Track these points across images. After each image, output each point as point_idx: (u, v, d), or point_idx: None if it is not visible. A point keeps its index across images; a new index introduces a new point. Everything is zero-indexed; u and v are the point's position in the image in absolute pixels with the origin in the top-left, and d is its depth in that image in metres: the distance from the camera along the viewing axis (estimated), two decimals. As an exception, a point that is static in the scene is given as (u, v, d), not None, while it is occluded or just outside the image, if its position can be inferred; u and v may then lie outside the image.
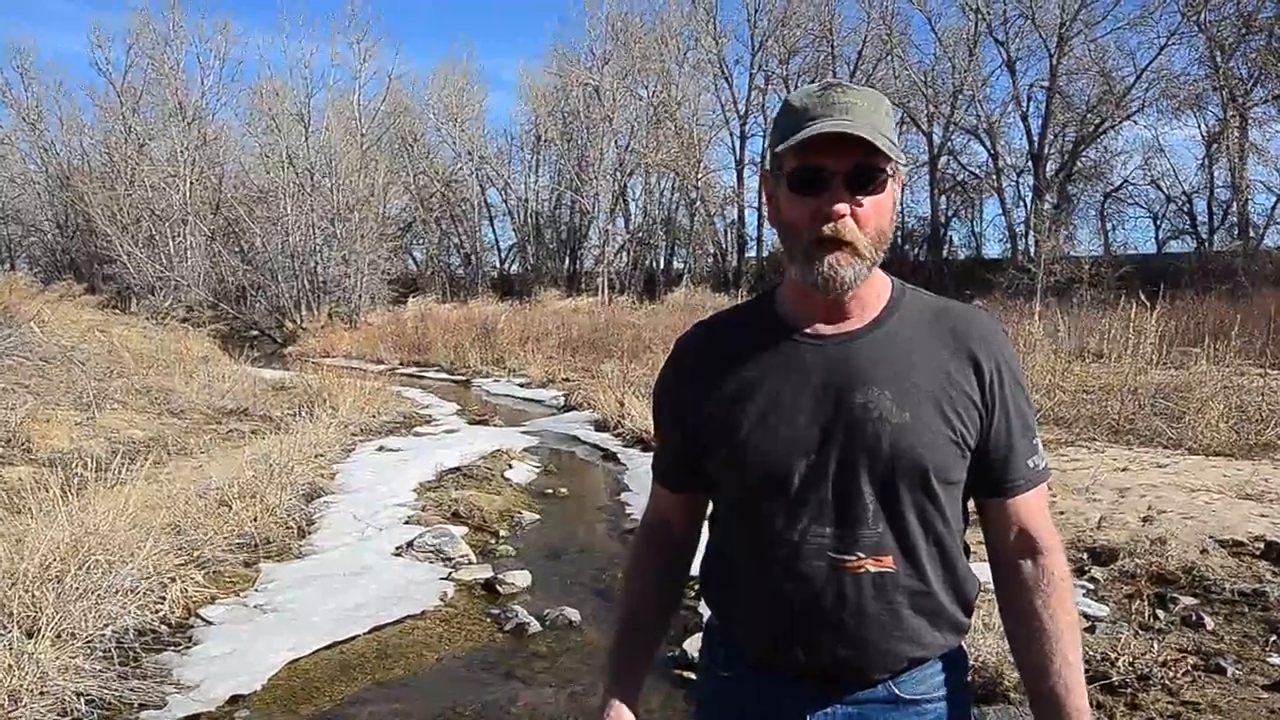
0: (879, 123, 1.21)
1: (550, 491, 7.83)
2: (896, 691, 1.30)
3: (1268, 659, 3.64)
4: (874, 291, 1.32)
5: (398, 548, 5.80)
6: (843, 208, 1.21)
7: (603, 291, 33.35)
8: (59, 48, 75.35)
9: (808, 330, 1.31)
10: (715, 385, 1.34)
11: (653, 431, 1.54)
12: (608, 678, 1.48)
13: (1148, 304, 9.60)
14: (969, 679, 1.42)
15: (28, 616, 3.87)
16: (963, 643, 1.37)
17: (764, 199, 1.36)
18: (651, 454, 1.57)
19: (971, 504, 1.38)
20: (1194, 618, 4.02)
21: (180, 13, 35.78)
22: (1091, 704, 3.20)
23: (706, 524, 1.46)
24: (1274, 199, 26.87)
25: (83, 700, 3.49)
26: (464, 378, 17.91)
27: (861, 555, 1.24)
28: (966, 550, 1.36)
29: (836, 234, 1.21)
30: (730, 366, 1.34)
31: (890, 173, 1.23)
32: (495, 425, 11.40)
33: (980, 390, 1.28)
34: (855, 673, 1.28)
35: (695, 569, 1.50)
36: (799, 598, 1.26)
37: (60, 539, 4.36)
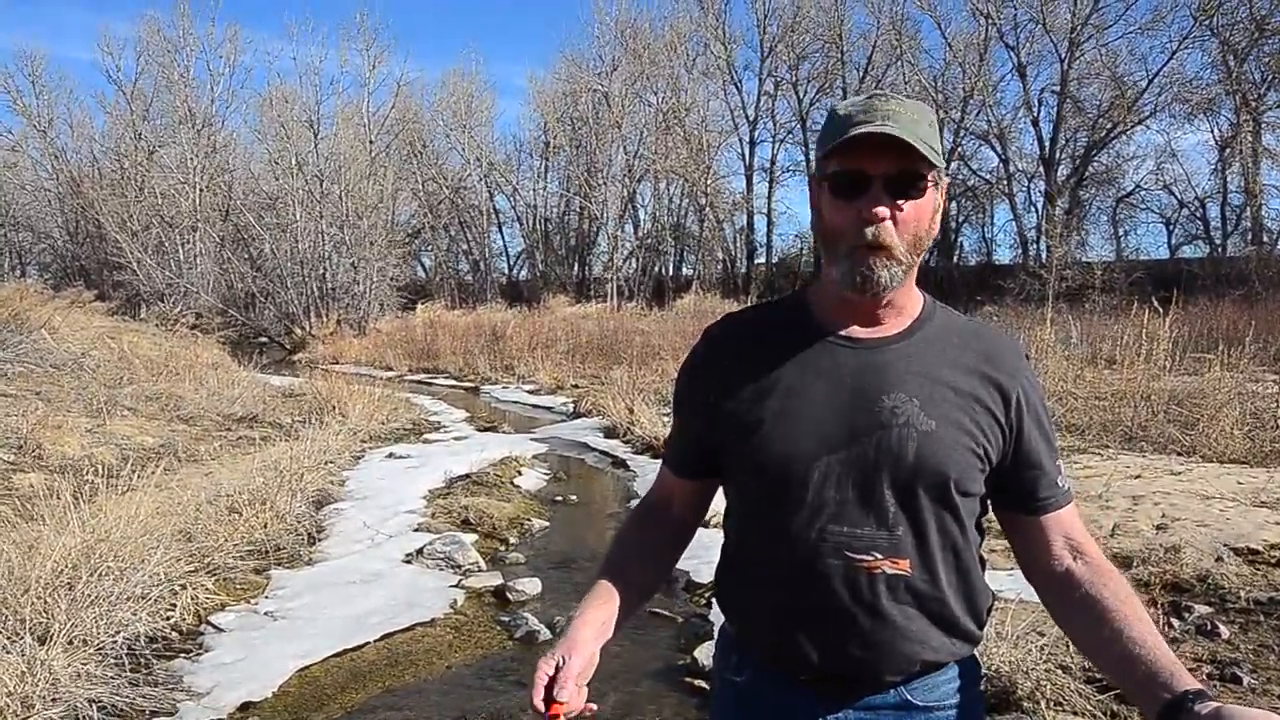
0: (922, 132, 1.22)
1: (560, 499, 7.82)
2: (908, 698, 1.30)
3: (1285, 669, 3.60)
4: (908, 302, 1.34)
5: (408, 555, 5.80)
6: (882, 211, 1.22)
7: (611, 298, 33.35)
8: (68, 55, 75.88)
9: (842, 333, 1.32)
10: (742, 378, 1.34)
11: (671, 416, 1.53)
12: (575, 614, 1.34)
13: (1160, 310, 9.55)
14: (981, 689, 1.42)
15: (40, 623, 3.87)
16: (975, 653, 1.37)
17: (810, 205, 1.35)
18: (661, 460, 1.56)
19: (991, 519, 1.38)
20: (1209, 626, 3.99)
21: (190, 20, 35.98)
22: (1106, 713, 3.18)
23: (721, 526, 1.45)
24: (1287, 203, 26.82)
25: (95, 707, 3.49)
26: (473, 384, 17.91)
27: (878, 556, 1.25)
28: (982, 563, 1.36)
29: (876, 238, 1.22)
30: (758, 361, 1.34)
31: (931, 180, 1.25)
32: (504, 432, 11.41)
33: (1005, 410, 1.29)
34: (868, 674, 1.28)
35: (702, 573, 1.49)
36: (814, 595, 1.26)
37: (72, 546, 4.37)
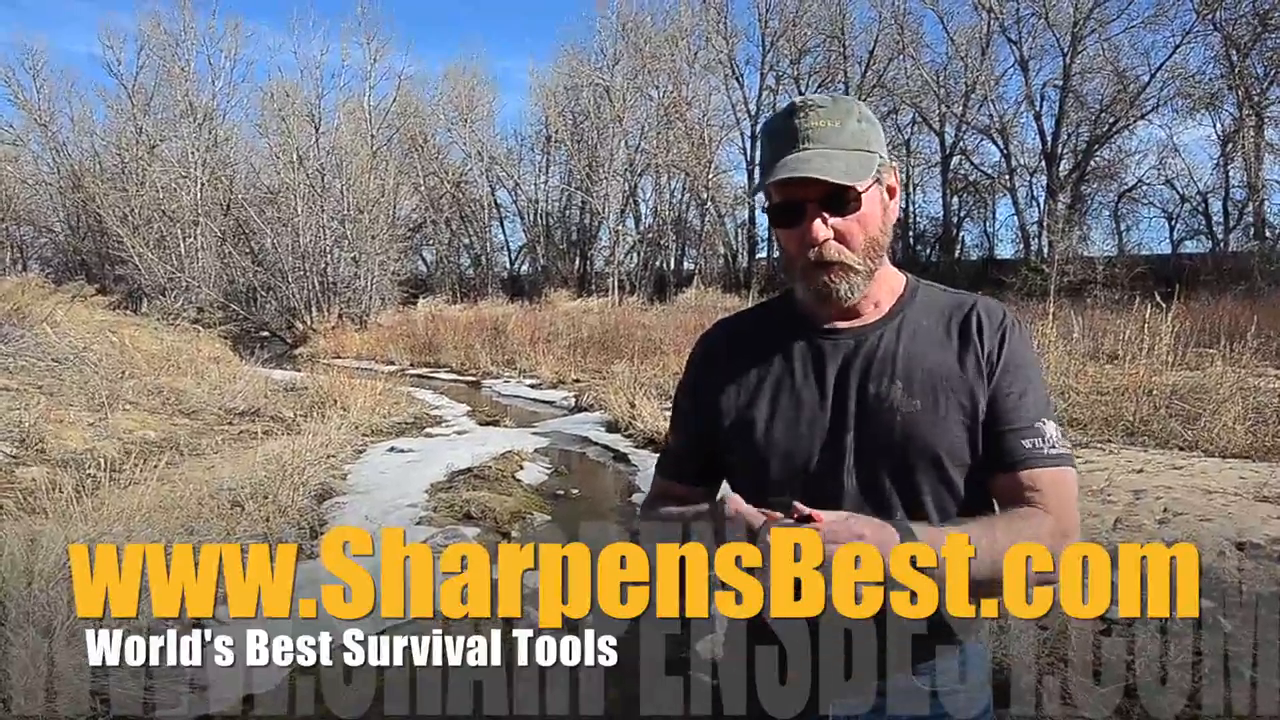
0: (846, 141, 1.24)
1: (561, 493, 7.82)
2: (916, 683, 1.32)
3: (1287, 663, 3.60)
4: (886, 288, 1.36)
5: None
6: (821, 233, 1.25)
7: (613, 292, 33.37)
8: (69, 48, 75.67)
9: (824, 326, 1.34)
10: (736, 380, 1.37)
11: (669, 426, 1.55)
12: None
13: (1162, 305, 9.53)
14: (989, 675, 1.43)
15: (43, 616, 3.88)
16: (982, 637, 1.38)
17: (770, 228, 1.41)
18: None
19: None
20: (1211, 621, 3.99)
21: (191, 14, 35.88)
22: (1109, 706, 3.18)
23: None
24: (1289, 198, 26.75)
25: (97, 699, 3.50)
26: (474, 379, 17.92)
27: None
28: None
29: (821, 259, 1.25)
30: (750, 362, 1.37)
31: (868, 186, 1.26)
32: (506, 426, 11.41)
33: (990, 371, 1.30)
34: (874, 662, 1.29)
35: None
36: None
37: (75, 539, 4.37)
